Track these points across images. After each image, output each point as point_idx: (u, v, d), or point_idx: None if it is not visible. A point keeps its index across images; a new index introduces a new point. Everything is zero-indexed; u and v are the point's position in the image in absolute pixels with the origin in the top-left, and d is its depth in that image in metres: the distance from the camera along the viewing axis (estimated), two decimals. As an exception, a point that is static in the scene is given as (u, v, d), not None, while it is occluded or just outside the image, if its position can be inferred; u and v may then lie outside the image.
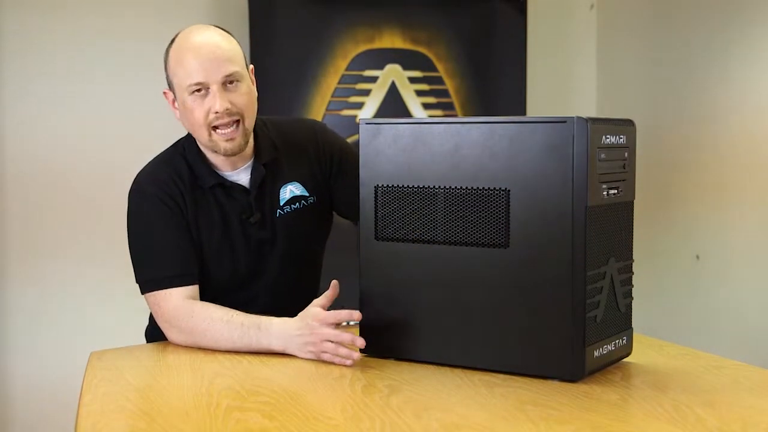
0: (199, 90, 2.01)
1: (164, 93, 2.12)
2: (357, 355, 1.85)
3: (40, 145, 3.72)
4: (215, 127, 2.03)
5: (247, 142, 2.09)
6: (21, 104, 3.69)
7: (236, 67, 2.04)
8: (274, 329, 1.93)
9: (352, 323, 1.95)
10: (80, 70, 3.75)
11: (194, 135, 2.09)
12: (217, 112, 2.01)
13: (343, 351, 1.86)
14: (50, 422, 3.72)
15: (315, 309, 1.90)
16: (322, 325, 1.88)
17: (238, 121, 2.04)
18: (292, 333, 1.90)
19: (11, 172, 3.69)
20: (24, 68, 3.69)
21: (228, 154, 2.07)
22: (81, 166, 3.76)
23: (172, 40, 2.08)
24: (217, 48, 2.03)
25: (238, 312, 1.98)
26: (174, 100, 2.09)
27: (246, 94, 2.06)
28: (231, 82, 2.03)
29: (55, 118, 3.74)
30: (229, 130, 2.04)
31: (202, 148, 2.12)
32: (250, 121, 2.08)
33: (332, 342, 1.87)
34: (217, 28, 2.09)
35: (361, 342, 1.86)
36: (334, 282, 1.93)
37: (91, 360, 1.96)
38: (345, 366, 1.85)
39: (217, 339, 1.96)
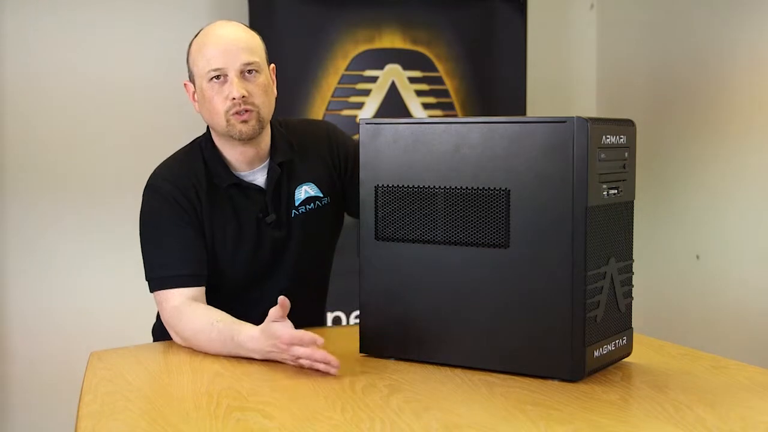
0: (217, 77, 2.04)
1: (185, 84, 2.15)
2: (333, 371, 1.79)
3: (43, 142, 3.72)
4: (232, 114, 2.05)
5: (262, 129, 2.09)
6: (21, 102, 3.69)
7: (255, 58, 2.07)
8: (247, 344, 1.88)
9: (352, 323, 1.94)
10: (79, 72, 3.75)
11: (212, 124, 2.11)
12: (234, 99, 2.03)
13: (319, 365, 1.79)
14: (50, 422, 3.72)
15: (277, 328, 1.82)
16: (289, 346, 1.82)
17: (250, 110, 2.06)
18: (266, 348, 1.86)
19: (12, 170, 3.69)
20: (26, 68, 3.69)
21: (243, 138, 2.07)
22: (84, 163, 3.76)
23: (194, 37, 2.12)
24: (237, 38, 2.07)
25: (219, 317, 1.96)
26: (194, 93, 2.12)
27: (263, 86, 2.08)
28: (249, 72, 2.06)
29: (62, 117, 3.74)
30: (244, 114, 2.05)
31: (219, 145, 2.13)
32: (265, 112, 2.09)
33: (307, 359, 1.81)
34: (241, 24, 2.14)
35: (335, 363, 1.78)
36: (281, 297, 1.83)
37: (91, 360, 1.96)
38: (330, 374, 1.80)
39: (204, 345, 1.97)
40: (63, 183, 3.75)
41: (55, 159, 3.74)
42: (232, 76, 2.04)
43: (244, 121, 2.05)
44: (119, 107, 3.80)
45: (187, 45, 2.14)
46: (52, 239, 3.75)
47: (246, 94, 2.04)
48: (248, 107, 2.05)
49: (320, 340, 1.80)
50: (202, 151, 2.15)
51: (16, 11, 3.65)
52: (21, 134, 3.69)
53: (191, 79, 2.13)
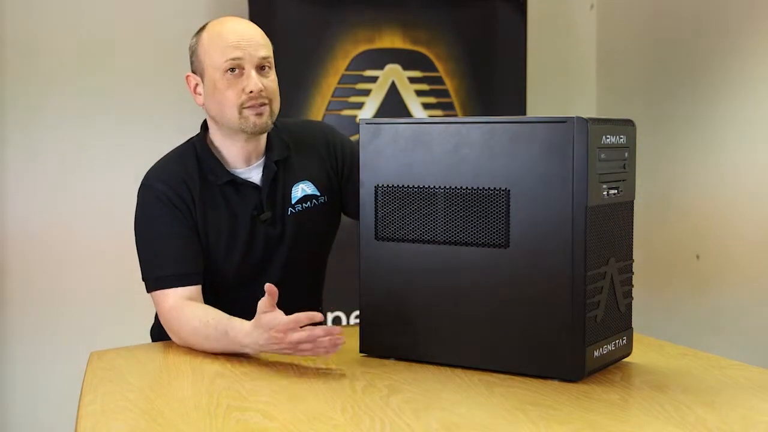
0: (233, 69, 2.04)
1: (187, 77, 2.14)
2: (340, 341, 1.79)
3: (42, 145, 3.72)
4: (245, 107, 2.05)
5: (272, 124, 2.11)
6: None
7: (270, 54, 2.09)
8: (241, 339, 1.88)
9: (352, 323, 1.94)
10: (79, 69, 3.75)
11: (220, 117, 2.09)
12: (251, 92, 2.03)
13: (324, 343, 1.79)
14: (50, 422, 3.72)
15: (269, 319, 1.81)
16: (287, 333, 1.80)
17: (265, 104, 2.07)
18: (260, 342, 1.85)
19: (12, 173, 3.69)
20: (25, 63, 3.70)
21: (256, 131, 2.07)
22: (83, 164, 3.77)
23: (202, 29, 2.12)
24: (254, 33, 2.09)
25: (213, 315, 1.96)
26: (197, 86, 2.12)
27: (275, 83, 2.10)
28: (263, 68, 2.07)
29: (57, 117, 3.74)
30: (259, 108, 2.06)
31: (217, 141, 2.13)
32: (276, 108, 2.10)
33: (308, 342, 1.80)
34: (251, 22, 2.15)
35: (338, 331, 1.79)
36: (268, 285, 1.83)
37: (91, 360, 1.96)
38: (331, 352, 1.81)
39: (200, 343, 1.97)
40: (66, 182, 3.75)
41: (61, 170, 3.74)
42: (249, 69, 2.04)
43: (259, 114, 2.06)
44: (117, 103, 3.80)
45: (191, 39, 2.13)
46: (53, 239, 3.75)
47: (262, 87, 2.05)
48: (263, 101, 2.06)
49: (318, 316, 1.79)
50: (196, 150, 2.14)
51: None
52: (22, 140, 3.69)
53: (196, 71, 2.12)
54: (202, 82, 2.10)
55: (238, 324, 1.90)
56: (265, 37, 2.11)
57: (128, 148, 3.77)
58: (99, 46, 3.77)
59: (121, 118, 3.79)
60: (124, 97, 3.78)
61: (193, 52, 2.12)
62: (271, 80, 2.09)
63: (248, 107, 2.05)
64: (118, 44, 3.79)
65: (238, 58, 2.04)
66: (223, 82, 2.05)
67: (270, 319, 1.82)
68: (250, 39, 2.06)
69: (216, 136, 2.14)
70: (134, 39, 3.79)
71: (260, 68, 2.06)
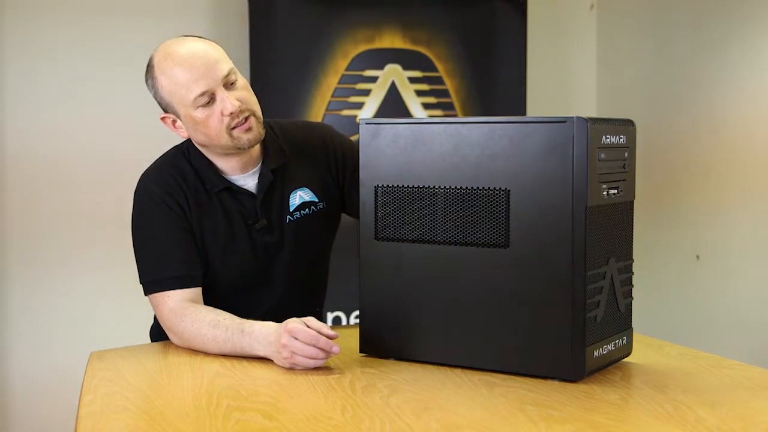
0: (206, 101, 1.99)
1: (162, 119, 2.09)
2: (335, 349, 1.82)
3: (42, 144, 3.72)
4: (233, 128, 2.01)
5: (263, 130, 2.07)
6: (23, 104, 3.69)
7: (230, 65, 2.03)
8: (255, 334, 1.89)
9: (352, 323, 1.94)
10: (80, 67, 3.76)
11: (212, 145, 2.05)
12: (231, 113, 1.99)
13: (314, 354, 1.81)
14: (50, 422, 3.72)
15: (292, 325, 1.84)
16: (295, 339, 1.82)
17: (248, 116, 2.03)
18: (272, 339, 1.86)
19: (12, 171, 3.70)
20: (26, 70, 3.69)
21: (252, 145, 2.05)
22: (82, 164, 3.77)
23: (151, 65, 2.04)
24: (205, 53, 2.00)
25: (226, 315, 1.96)
26: (174, 121, 2.06)
27: (246, 88, 2.05)
28: (231, 83, 2.01)
29: (57, 117, 3.74)
30: (245, 123, 2.02)
31: (209, 156, 2.10)
32: (258, 112, 2.06)
33: (304, 355, 1.82)
34: (192, 36, 2.07)
35: (330, 344, 1.83)
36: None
37: (91, 360, 1.96)
38: (329, 357, 1.83)
39: (205, 343, 1.96)
40: (67, 182, 3.75)
41: (62, 168, 3.74)
42: (220, 92, 1.99)
43: (248, 129, 2.02)
44: (115, 104, 3.79)
45: (146, 77, 2.05)
46: (53, 239, 3.76)
47: (238, 104, 2.00)
48: (246, 114, 2.02)
49: (330, 335, 1.81)
50: (188, 156, 2.11)
51: None
52: (22, 139, 3.70)
53: (167, 110, 2.05)
54: (179, 118, 2.05)
55: (258, 322, 1.91)
56: (218, 48, 2.04)
57: (130, 149, 3.77)
58: (98, 49, 3.77)
59: (121, 44, 3.79)
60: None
61: (156, 93, 2.05)
62: (242, 89, 2.03)
63: (235, 127, 2.01)
64: (116, 43, 3.79)
65: (205, 91, 1.98)
66: (199, 114, 2.00)
67: (291, 327, 1.82)
68: (206, 62, 1.98)
69: (208, 154, 2.11)
70: (131, 39, 3.79)
71: (230, 84, 2.01)
